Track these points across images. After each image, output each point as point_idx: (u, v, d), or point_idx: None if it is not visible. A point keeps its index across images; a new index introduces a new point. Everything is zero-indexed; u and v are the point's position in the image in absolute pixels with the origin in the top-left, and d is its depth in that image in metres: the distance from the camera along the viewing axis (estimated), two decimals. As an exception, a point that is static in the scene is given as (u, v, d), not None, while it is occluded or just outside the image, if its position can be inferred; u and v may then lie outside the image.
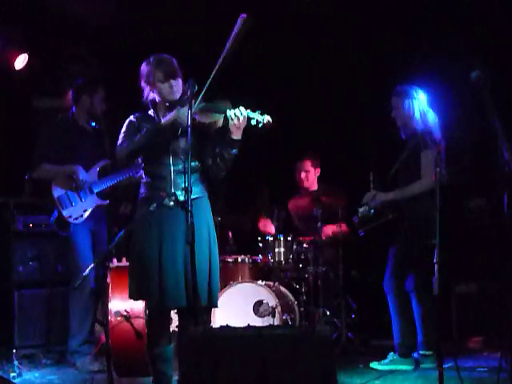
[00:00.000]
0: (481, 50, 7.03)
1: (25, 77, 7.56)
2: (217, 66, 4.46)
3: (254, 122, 4.60)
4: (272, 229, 7.74)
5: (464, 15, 7.30)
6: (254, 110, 4.61)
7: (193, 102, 4.53)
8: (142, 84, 4.87)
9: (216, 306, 4.87)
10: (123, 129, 4.87)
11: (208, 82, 4.53)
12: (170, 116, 4.70)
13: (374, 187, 6.38)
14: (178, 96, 4.78)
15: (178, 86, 4.78)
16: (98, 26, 8.01)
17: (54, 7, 7.52)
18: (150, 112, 4.88)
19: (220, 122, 4.67)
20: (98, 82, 6.72)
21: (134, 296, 4.84)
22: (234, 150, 4.70)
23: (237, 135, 4.65)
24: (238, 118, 4.59)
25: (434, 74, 6.87)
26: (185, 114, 4.54)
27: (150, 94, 4.85)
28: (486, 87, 4.56)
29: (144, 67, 4.86)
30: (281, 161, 8.06)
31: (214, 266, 4.80)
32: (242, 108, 4.61)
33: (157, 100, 4.84)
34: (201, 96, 4.59)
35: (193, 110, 4.50)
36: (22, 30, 7.47)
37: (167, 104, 4.80)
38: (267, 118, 4.61)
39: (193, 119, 4.50)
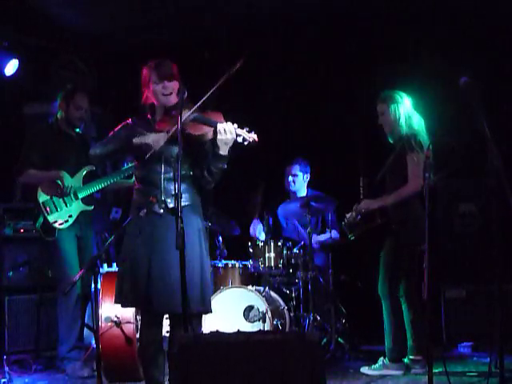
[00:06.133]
0: (471, 54, 7.07)
1: (16, 83, 7.56)
2: (213, 89, 4.56)
3: (240, 140, 4.64)
4: (261, 235, 7.73)
5: (453, 19, 7.35)
6: (241, 127, 4.65)
7: (185, 110, 4.59)
8: (142, 88, 4.89)
9: (210, 312, 4.88)
10: (116, 128, 4.91)
11: (203, 99, 4.60)
12: (142, 138, 4.73)
13: (363, 192, 6.39)
14: (173, 101, 4.77)
15: (172, 88, 4.78)
16: (90, 33, 8.04)
17: (46, 13, 7.54)
18: (149, 116, 4.90)
19: (210, 135, 4.68)
20: (76, 89, 6.68)
21: (118, 301, 4.82)
22: (221, 165, 4.73)
23: (223, 151, 4.67)
24: (226, 133, 4.61)
25: (422, 79, 6.90)
26: (157, 141, 4.65)
27: (148, 98, 4.87)
28: (474, 92, 4.58)
29: (144, 70, 4.87)
30: (270, 166, 8.07)
31: (206, 272, 4.80)
32: (230, 124, 4.64)
33: (155, 103, 4.86)
34: (194, 108, 4.66)
35: (184, 120, 4.56)
36: (13, 36, 7.47)
37: (163, 109, 4.82)
38: (253, 137, 4.66)
39: (183, 130, 4.54)
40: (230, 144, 4.66)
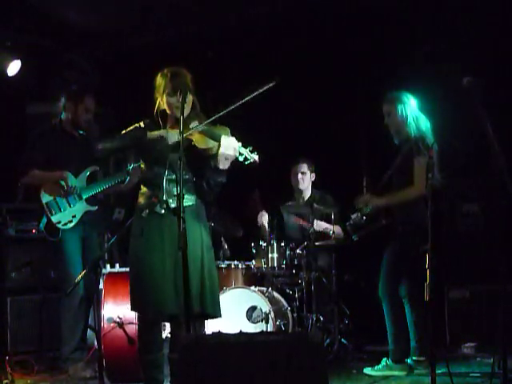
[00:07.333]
0: (474, 55, 7.06)
1: (18, 83, 7.57)
2: (228, 109, 4.57)
3: (241, 159, 4.67)
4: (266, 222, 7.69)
5: (456, 20, 7.34)
6: (245, 146, 4.67)
7: (195, 121, 4.66)
8: (155, 94, 4.87)
9: (219, 316, 4.87)
10: (127, 129, 4.90)
11: (216, 116, 4.63)
12: (157, 133, 4.75)
13: (367, 193, 6.37)
14: (185, 112, 4.74)
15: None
16: (92, 33, 8.04)
17: (49, 13, 7.55)
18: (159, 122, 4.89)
19: (214, 150, 4.69)
20: (86, 92, 6.67)
21: (133, 308, 4.82)
22: (219, 179, 4.75)
23: (223, 165, 4.67)
24: (229, 149, 4.62)
25: (425, 79, 6.89)
26: (173, 136, 4.66)
27: (161, 106, 4.85)
28: (477, 93, 4.57)
29: (158, 78, 4.85)
30: (273, 166, 8.06)
31: (208, 274, 4.79)
32: (234, 141, 4.65)
33: (167, 112, 4.84)
34: (205, 122, 4.70)
35: (193, 130, 4.63)
36: (16, 36, 7.48)
37: (175, 118, 4.80)
38: (255, 158, 4.68)
39: (189, 140, 4.60)
40: (231, 160, 4.67)
